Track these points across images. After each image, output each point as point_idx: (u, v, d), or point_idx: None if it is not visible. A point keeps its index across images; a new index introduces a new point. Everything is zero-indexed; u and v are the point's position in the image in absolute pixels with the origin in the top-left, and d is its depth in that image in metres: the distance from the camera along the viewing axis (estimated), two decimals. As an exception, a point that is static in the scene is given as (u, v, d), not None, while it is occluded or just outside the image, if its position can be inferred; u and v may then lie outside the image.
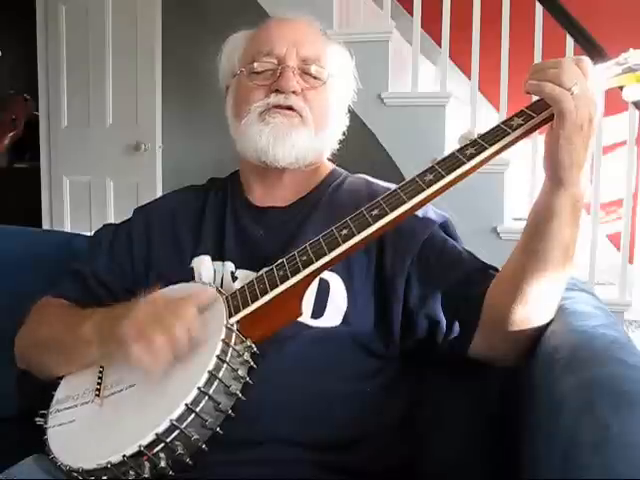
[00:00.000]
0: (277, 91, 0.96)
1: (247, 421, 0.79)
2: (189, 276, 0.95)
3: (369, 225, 0.81)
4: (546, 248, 0.81)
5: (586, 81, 0.76)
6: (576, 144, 0.76)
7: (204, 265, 0.96)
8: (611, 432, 0.59)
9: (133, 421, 0.78)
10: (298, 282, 0.82)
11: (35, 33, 3.29)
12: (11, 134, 4.02)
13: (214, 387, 0.76)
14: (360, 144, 2.53)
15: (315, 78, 0.99)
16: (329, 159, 1.08)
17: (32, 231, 1.46)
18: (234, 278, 0.94)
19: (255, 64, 0.98)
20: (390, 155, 2.47)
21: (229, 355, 0.77)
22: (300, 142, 0.96)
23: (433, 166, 0.81)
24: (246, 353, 0.79)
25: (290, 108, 0.96)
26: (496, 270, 0.92)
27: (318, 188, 1.03)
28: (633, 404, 0.63)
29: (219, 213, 1.02)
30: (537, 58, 2.34)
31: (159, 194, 2.67)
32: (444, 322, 0.90)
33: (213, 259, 0.97)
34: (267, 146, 0.95)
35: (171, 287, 0.92)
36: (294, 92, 0.96)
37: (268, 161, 0.96)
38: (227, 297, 0.85)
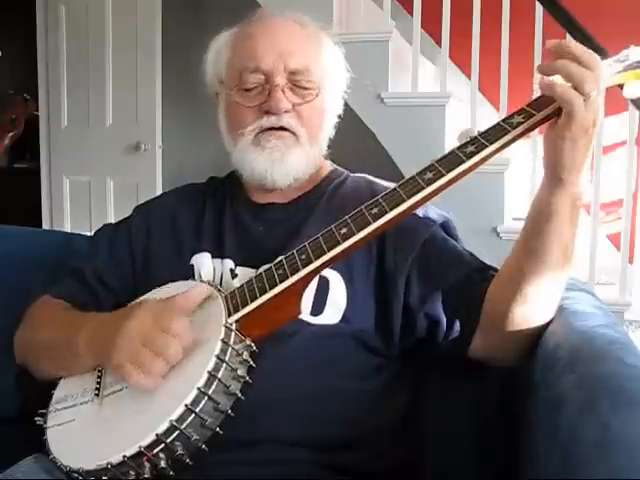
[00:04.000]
0: (268, 112, 0.94)
1: (247, 421, 0.79)
2: (189, 274, 0.95)
3: (369, 224, 0.81)
4: (545, 248, 0.81)
5: (601, 86, 0.75)
6: (580, 146, 0.75)
7: (204, 262, 0.96)
8: (612, 431, 0.59)
9: (133, 421, 0.78)
10: (297, 281, 0.82)
11: (35, 33, 3.29)
12: (11, 134, 4.02)
13: (213, 387, 0.76)
14: (360, 144, 2.55)
15: (306, 89, 0.96)
16: (328, 158, 1.07)
17: (32, 231, 1.46)
18: (234, 275, 0.94)
19: (242, 81, 0.96)
20: (390, 155, 2.47)
21: (228, 355, 0.77)
22: (296, 162, 0.96)
23: (433, 164, 0.81)
24: (245, 352, 0.79)
25: (283, 128, 0.95)
26: (496, 270, 0.92)
27: (319, 186, 1.03)
28: (633, 403, 0.63)
29: (219, 211, 1.02)
30: (537, 58, 2.35)
31: (159, 194, 2.67)
32: (444, 322, 0.90)
33: (213, 256, 0.97)
34: (265, 172, 0.95)
35: (159, 289, 0.92)
36: (286, 111, 0.94)
37: (267, 184, 0.97)
38: (226, 296, 0.85)
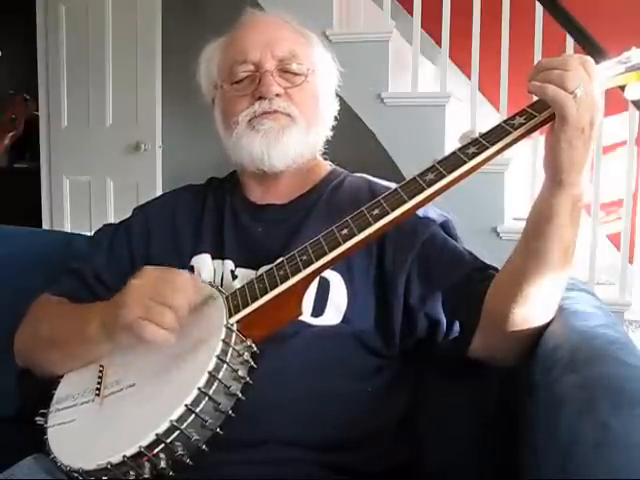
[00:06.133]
0: (260, 98, 0.96)
1: (248, 421, 0.79)
2: (189, 275, 0.95)
3: (370, 225, 0.81)
4: (546, 248, 0.81)
5: (590, 83, 0.75)
6: (577, 146, 0.75)
7: (204, 264, 0.96)
8: (611, 431, 0.59)
9: (133, 421, 0.78)
10: (298, 282, 0.82)
11: (35, 33, 3.29)
12: (11, 134, 4.01)
13: (214, 388, 0.76)
14: (360, 144, 2.55)
15: (296, 75, 0.98)
16: (326, 158, 1.08)
17: (32, 231, 1.46)
18: (234, 277, 0.94)
19: (233, 74, 0.98)
20: (390, 155, 2.47)
21: (229, 355, 0.77)
22: (292, 142, 0.96)
23: (434, 165, 0.81)
24: (246, 353, 0.79)
25: (277, 111, 0.96)
26: (496, 270, 0.92)
27: (318, 186, 1.03)
28: (633, 404, 0.63)
29: (218, 212, 1.03)
30: (537, 58, 2.34)
31: (159, 194, 2.67)
32: (444, 322, 0.90)
33: (213, 258, 0.97)
34: (262, 153, 0.95)
35: None
36: (277, 95, 0.96)
37: (265, 168, 0.97)
38: (227, 296, 0.85)
